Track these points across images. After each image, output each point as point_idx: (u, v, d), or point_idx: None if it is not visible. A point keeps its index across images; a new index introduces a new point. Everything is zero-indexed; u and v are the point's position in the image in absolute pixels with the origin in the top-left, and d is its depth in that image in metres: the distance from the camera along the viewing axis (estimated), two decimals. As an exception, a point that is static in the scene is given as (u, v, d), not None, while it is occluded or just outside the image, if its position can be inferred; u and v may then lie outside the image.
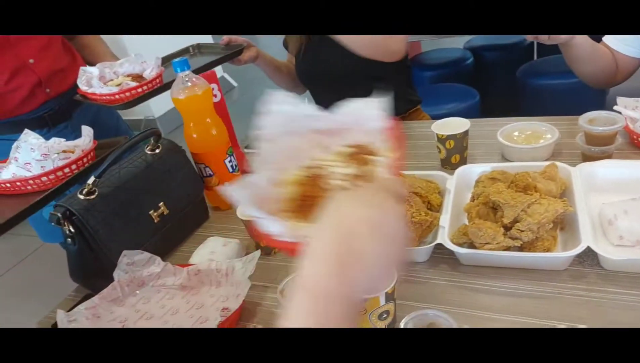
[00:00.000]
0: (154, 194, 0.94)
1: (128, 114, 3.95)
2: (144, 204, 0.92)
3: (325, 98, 1.50)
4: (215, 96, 1.15)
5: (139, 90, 1.16)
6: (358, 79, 1.39)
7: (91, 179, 0.86)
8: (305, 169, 0.58)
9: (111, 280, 0.86)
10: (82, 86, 1.18)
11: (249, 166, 0.56)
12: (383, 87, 1.41)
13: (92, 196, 0.86)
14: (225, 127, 1.07)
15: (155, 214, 0.94)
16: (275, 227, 0.48)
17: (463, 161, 1.05)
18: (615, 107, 1.03)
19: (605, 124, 0.97)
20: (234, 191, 0.50)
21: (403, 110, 1.46)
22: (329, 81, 1.43)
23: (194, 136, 1.02)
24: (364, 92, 1.44)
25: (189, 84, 0.98)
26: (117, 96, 1.15)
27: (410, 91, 1.50)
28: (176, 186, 0.98)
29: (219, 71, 4.29)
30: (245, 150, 1.38)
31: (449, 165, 1.06)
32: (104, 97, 1.16)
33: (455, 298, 0.74)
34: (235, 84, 4.38)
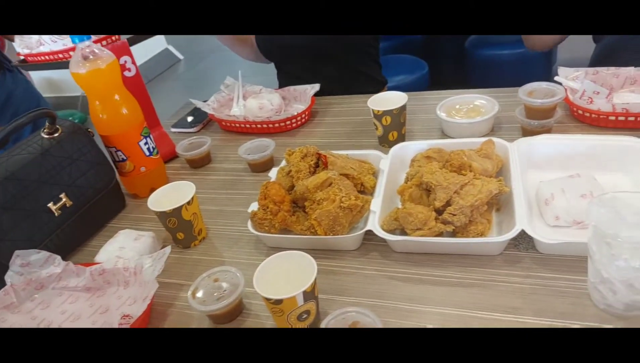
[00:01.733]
0: (53, 184, 0.82)
1: (60, 90, 3.70)
2: (41, 196, 0.81)
3: (291, 71, 1.40)
4: (129, 70, 1.02)
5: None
6: (325, 54, 1.30)
7: (-30, 170, 0.74)
8: None
9: (2, 284, 0.75)
10: (23, 50, 1.03)
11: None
12: (352, 62, 1.33)
13: (-27, 189, 0.74)
14: (140, 105, 0.95)
15: (56, 207, 0.82)
16: None
17: (401, 138, 0.99)
18: (556, 78, 0.99)
19: (545, 96, 0.93)
20: None
21: (374, 91, 1.38)
22: (293, 55, 1.33)
23: (101, 116, 0.90)
24: (332, 67, 1.37)
25: (91, 57, 0.86)
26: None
27: (378, 71, 1.42)
28: (81, 173, 0.87)
29: (161, 42, 4.04)
30: (172, 129, 1.27)
31: (386, 143, 0.99)
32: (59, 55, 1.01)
33: (385, 289, 0.68)
34: (180, 56, 4.15)
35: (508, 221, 0.71)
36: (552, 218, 0.71)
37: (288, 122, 1.15)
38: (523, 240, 0.70)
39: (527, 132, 0.92)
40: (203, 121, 1.27)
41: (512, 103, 1.02)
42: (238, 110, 1.23)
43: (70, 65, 0.86)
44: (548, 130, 0.91)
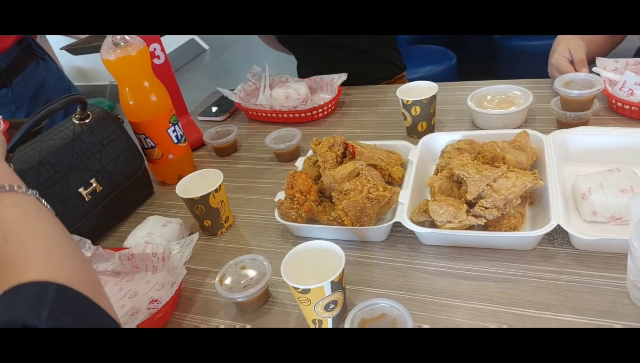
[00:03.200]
0: (84, 170, 0.84)
1: (89, 79, 3.77)
2: (72, 181, 0.82)
3: (306, 57, 1.39)
4: (158, 57, 1.03)
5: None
6: (342, 40, 1.29)
7: (5, 154, 0.75)
8: None
9: None
10: None
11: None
12: (369, 49, 1.32)
13: (8, 173, 0.75)
14: (169, 93, 0.96)
15: (86, 192, 0.83)
16: None
17: (430, 129, 0.97)
18: (594, 69, 0.95)
19: (583, 87, 0.89)
20: None
21: (390, 75, 1.37)
22: (305, 42, 1.33)
23: (131, 103, 0.90)
24: (348, 55, 1.36)
25: (121, 43, 0.86)
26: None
27: (396, 55, 1.40)
28: (111, 159, 0.88)
29: (188, 32, 4.07)
30: (199, 118, 1.27)
31: (415, 133, 0.97)
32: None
33: (413, 282, 0.67)
34: (206, 47, 4.17)
35: (542, 215, 0.68)
36: (589, 213, 0.68)
37: (314, 112, 1.14)
38: (558, 236, 0.68)
39: (563, 124, 0.89)
40: (230, 109, 1.27)
41: (546, 95, 0.99)
42: (265, 99, 1.22)
43: (101, 52, 0.87)
44: (585, 122, 0.88)
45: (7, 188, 0.44)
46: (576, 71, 0.95)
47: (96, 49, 0.90)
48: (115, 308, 0.72)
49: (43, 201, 0.47)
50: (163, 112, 0.93)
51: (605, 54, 1.12)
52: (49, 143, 0.81)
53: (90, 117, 0.87)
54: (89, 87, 3.64)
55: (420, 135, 0.92)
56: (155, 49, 1.01)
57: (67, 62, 3.56)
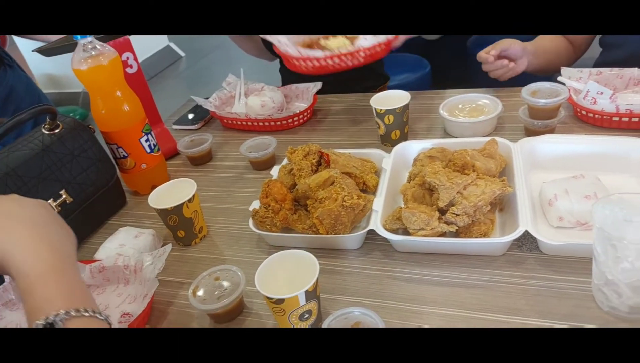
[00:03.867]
0: (54, 181, 0.82)
1: (61, 86, 3.69)
2: (41, 193, 0.80)
3: None
4: (130, 66, 1.02)
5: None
6: None
7: (-31, 165, 0.73)
8: None
9: (1, 281, 0.74)
10: None
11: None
12: None
13: (-28, 185, 0.73)
14: (142, 102, 0.95)
15: (56, 204, 0.82)
16: None
17: (404, 137, 0.99)
18: (559, 78, 0.98)
19: (549, 96, 0.92)
20: None
21: (375, 85, 1.38)
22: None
23: (103, 112, 0.89)
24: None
25: (93, 53, 0.85)
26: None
27: (381, 65, 1.41)
28: (81, 170, 0.86)
29: (163, 40, 4.03)
30: (173, 126, 1.26)
31: (388, 141, 0.99)
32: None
33: (387, 289, 0.68)
34: (182, 54, 4.14)
35: (511, 221, 0.70)
36: (555, 219, 0.71)
37: (290, 120, 1.15)
38: (526, 241, 0.70)
39: (531, 132, 0.91)
40: (204, 118, 1.26)
41: (515, 103, 1.02)
42: (240, 108, 1.22)
43: (71, 61, 0.85)
44: (551, 130, 0.91)
45: (88, 313, 0.43)
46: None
47: (70, 49, 0.88)
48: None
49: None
50: (136, 121, 0.92)
51: (570, 64, 1.16)
52: (16, 154, 0.79)
53: (61, 127, 0.85)
54: (61, 94, 3.56)
55: (393, 143, 0.94)
56: (127, 58, 1.00)
57: (38, 69, 3.49)
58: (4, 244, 0.45)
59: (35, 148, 0.81)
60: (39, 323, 0.41)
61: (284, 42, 0.97)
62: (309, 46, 1.00)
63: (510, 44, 1.02)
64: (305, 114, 1.16)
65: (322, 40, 0.98)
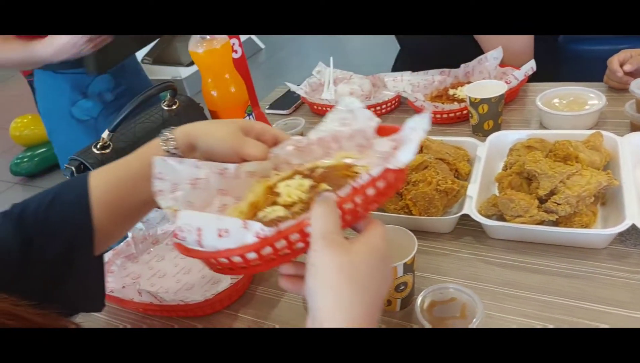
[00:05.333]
0: (170, 152, 0.91)
1: (155, 74, 3.96)
2: (159, 162, 0.89)
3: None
4: (235, 52, 1.10)
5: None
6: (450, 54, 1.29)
7: (105, 133, 0.83)
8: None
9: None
10: None
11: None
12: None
13: (107, 151, 0.83)
14: (245, 85, 1.02)
15: (171, 172, 0.91)
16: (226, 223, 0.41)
17: (497, 128, 0.98)
18: (673, 73, 0.93)
19: (660, 91, 0.87)
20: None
21: None
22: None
23: (212, 92, 0.97)
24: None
25: (207, 37, 0.93)
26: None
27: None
28: (192, 144, 0.95)
29: (246, 31, 4.19)
30: (267, 110, 1.34)
31: (480, 131, 0.98)
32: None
33: (481, 272, 0.69)
34: (262, 45, 4.29)
35: (616, 215, 0.69)
36: (665, 216, 0.68)
37: (378, 108, 1.17)
38: (631, 236, 0.68)
39: (638, 128, 0.88)
40: (295, 104, 1.33)
41: (618, 98, 0.98)
42: (329, 94, 1.27)
43: (189, 44, 0.94)
44: (661, 127, 0.86)
45: None
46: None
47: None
48: (197, 277, 0.78)
49: None
50: (240, 102, 0.99)
51: None
52: (141, 126, 0.89)
53: (177, 104, 0.94)
54: (153, 81, 3.83)
55: (486, 133, 0.94)
56: (234, 44, 1.08)
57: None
58: None
59: (157, 121, 0.91)
60: None
61: None
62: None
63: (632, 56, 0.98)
64: (392, 102, 1.18)
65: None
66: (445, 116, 1.06)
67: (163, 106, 0.93)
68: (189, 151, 0.57)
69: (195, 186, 0.51)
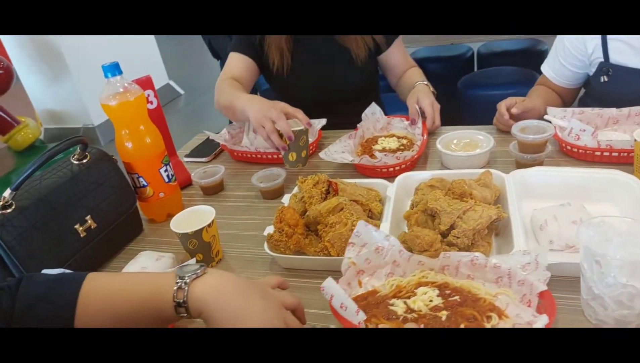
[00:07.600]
0: (80, 207, 0.88)
1: (63, 122, 3.76)
2: (69, 218, 0.86)
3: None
4: (151, 103, 1.10)
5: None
6: (332, 106, 1.38)
7: (7, 192, 0.79)
8: None
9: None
10: None
11: None
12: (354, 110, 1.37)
13: (8, 210, 0.79)
14: (162, 135, 1.02)
15: (82, 228, 0.87)
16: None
17: (300, 160, 1.12)
18: (545, 117, 1.08)
19: (536, 132, 1.01)
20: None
21: None
22: (302, 108, 1.20)
23: (127, 144, 0.96)
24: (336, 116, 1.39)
25: (121, 90, 0.93)
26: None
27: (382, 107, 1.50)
28: (105, 197, 0.92)
29: (164, 77, 4.17)
30: (185, 159, 1.33)
31: (287, 163, 1.12)
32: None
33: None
34: (181, 91, 4.27)
35: (507, 244, 0.77)
36: (546, 242, 0.77)
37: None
38: (521, 262, 0.76)
39: (521, 165, 1.00)
40: (215, 151, 1.34)
41: (505, 139, 1.11)
42: (249, 141, 1.30)
43: (100, 98, 0.93)
44: (540, 163, 0.99)
45: None
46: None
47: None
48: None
49: None
50: (157, 153, 0.99)
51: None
52: (47, 181, 0.85)
53: (88, 157, 0.92)
54: (61, 130, 3.63)
55: (291, 164, 1.10)
56: (149, 95, 1.08)
57: (40, 104, 3.57)
58: None
59: (65, 176, 0.87)
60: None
61: None
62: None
63: (531, 108, 1.13)
64: (310, 148, 1.24)
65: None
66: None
67: (72, 160, 0.90)
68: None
69: (377, 251, 0.71)
